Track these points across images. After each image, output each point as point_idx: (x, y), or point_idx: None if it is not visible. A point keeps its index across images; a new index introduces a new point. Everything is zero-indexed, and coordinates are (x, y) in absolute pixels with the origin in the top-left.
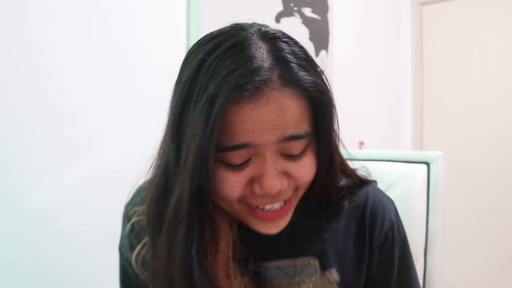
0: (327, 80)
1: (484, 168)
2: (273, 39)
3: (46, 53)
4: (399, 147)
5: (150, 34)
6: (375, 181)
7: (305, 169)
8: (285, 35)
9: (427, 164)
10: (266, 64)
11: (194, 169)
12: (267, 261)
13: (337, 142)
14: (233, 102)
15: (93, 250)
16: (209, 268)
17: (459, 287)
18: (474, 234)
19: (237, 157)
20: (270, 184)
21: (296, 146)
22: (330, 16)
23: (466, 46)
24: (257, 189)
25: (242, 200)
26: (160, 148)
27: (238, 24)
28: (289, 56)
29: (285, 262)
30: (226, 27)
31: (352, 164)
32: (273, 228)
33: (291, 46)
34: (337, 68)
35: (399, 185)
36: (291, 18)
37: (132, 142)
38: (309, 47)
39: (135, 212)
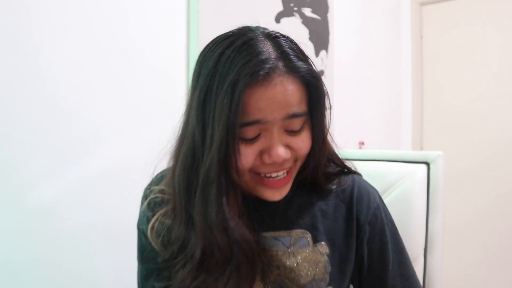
0: (316, 69)
1: (484, 168)
2: (275, 38)
3: (47, 53)
4: (399, 147)
5: (150, 34)
6: (360, 174)
7: (304, 143)
8: (282, 35)
9: (427, 164)
10: (273, 56)
11: (221, 141)
12: (265, 232)
13: (327, 125)
14: (248, 86)
15: (94, 249)
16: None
17: (459, 287)
18: (474, 233)
19: (250, 132)
20: (277, 153)
21: (297, 123)
22: (330, 16)
23: (466, 46)
24: (266, 158)
25: (252, 170)
26: (181, 133)
27: (246, 26)
28: (289, 50)
29: (281, 233)
30: (236, 29)
31: (352, 165)
32: (277, 195)
33: (289, 43)
34: (337, 68)
35: (399, 185)
36: (291, 18)
37: (132, 141)
38: (309, 47)
39: (151, 191)
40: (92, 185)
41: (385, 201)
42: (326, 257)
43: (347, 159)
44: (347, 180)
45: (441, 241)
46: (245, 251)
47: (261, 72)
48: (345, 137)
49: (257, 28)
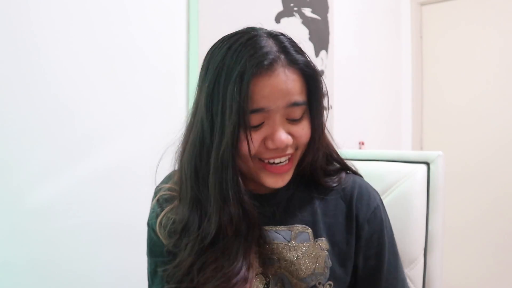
0: (313, 63)
1: (484, 168)
2: (276, 36)
3: (48, 53)
4: (399, 147)
5: (150, 34)
6: (361, 176)
7: (304, 131)
8: (281, 33)
9: (427, 164)
10: (275, 49)
11: (234, 127)
12: (267, 226)
13: (325, 116)
14: (255, 75)
15: (94, 249)
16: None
17: (459, 287)
18: (474, 233)
19: (255, 119)
20: (280, 138)
21: (297, 112)
22: (330, 16)
23: (466, 46)
24: (270, 144)
25: (256, 156)
26: (189, 123)
27: (250, 27)
28: (288, 45)
29: (282, 228)
30: (241, 29)
31: (352, 165)
32: (280, 181)
33: (289, 40)
34: (337, 68)
35: (399, 185)
36: (291, 18)
37: (132, 141)
38: (309, 47)
39: (160, 189)
40: (92, 185)
41: (385, 201)
42: (326, 252)
43: (347, 159)
44: (348, 180)
45: (441, 241)
46: (254, 220)
47: (265, 62)
48: (345, 137)
49: (261, 28)
